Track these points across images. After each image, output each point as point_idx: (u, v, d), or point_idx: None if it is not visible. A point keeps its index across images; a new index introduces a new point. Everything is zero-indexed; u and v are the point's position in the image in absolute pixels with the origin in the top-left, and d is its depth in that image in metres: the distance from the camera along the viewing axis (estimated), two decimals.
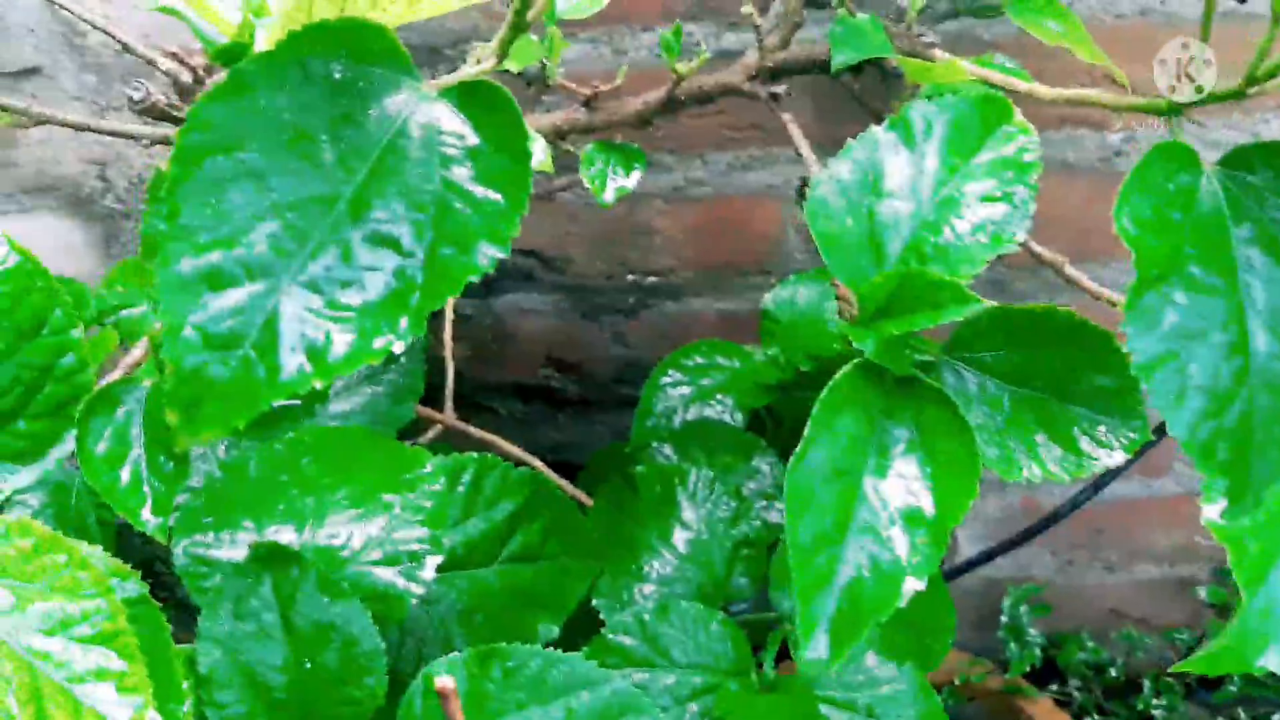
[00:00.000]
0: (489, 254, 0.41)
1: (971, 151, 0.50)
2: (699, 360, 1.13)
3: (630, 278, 1.27)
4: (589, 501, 0.91)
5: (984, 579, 1.37)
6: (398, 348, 0.39)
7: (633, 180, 0.70)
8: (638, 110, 0.70)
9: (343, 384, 0.83)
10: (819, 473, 0.46)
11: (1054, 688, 1.40)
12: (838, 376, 0.47)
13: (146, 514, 0.48)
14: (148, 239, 0.47)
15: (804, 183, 1.20)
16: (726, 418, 1.09)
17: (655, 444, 1.01)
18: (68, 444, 0.53)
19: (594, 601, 0.84)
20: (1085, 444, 0.50)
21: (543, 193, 0.90)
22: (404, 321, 0.40)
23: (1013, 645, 1.38)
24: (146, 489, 0.48)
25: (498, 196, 0.41)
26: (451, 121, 0.42)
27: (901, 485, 0.46)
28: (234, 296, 0.40)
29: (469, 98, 0.42)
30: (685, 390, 1.12)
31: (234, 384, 0.38)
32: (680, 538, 0.87)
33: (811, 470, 0.46)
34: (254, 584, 0.56)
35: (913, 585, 0.45)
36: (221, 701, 0.54)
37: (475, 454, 0.78)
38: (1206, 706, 1.40)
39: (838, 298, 0.55)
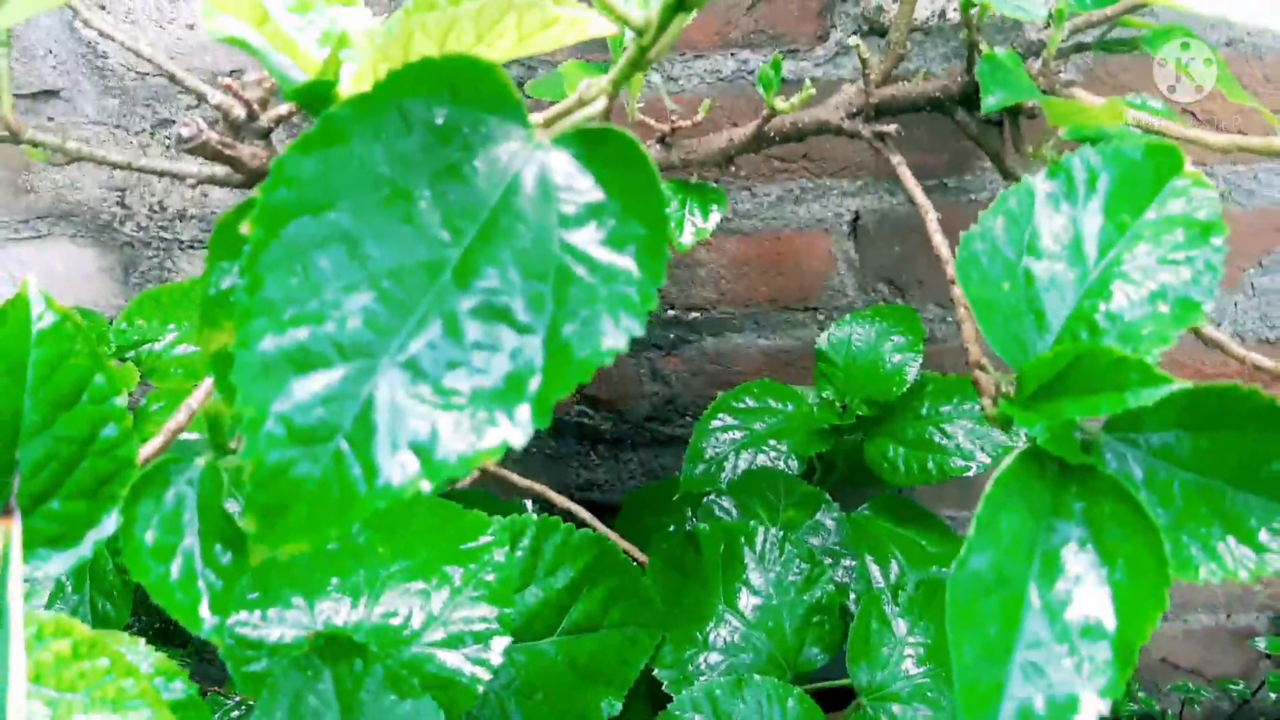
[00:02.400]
0: (623, 330, 0.35)
1: (1141, 207, 0.44)
2: (750, 403, 1.07)
3: (671, 312, 1.21)
4: (629, 547, 0.85)
5: None
6: (516, 441, 0.34)
7: (711, 223, 0.64)
8: (721, 148, 0.64)
9: None
10: (982, 581, 0.40)
11: None
12: (1003, 470, 0.41)
13: (204, 612, 0.42)
14: (209, 304, 0.41)
15: (857, 216, 1.15)
16: (781, 465, 1.03)
17: (712, 495, 0.95)
18: (106, 526, 0.47)
19: (656, 672, 0.77)
20: (1264, 537, 0.44)
21: None
22: (523, 411, 0.34)
23: None
24: (201, 584, 0.42)
25: (629, 264, 0.35)
26: (570, 174, 0.36)
27: (1074, 592, 0.40)
28: (323, 380, 0.34)
29: (592, 148, 0.36)
30: (736, 435, 1.06)
31: (324, 485, 0.32)
32: (747, 603, 0.81)
33: (975, 577, 0.39)
34: (312, 679, 0.50)
35: (1094, 708, 0.39)
36: None
37: (534, 516, 0.72)
38: None
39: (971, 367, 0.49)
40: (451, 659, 0.58)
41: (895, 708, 0.77)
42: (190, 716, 0.45)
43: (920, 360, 1.05)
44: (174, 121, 1.11)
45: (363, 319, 0.34)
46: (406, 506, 0.65)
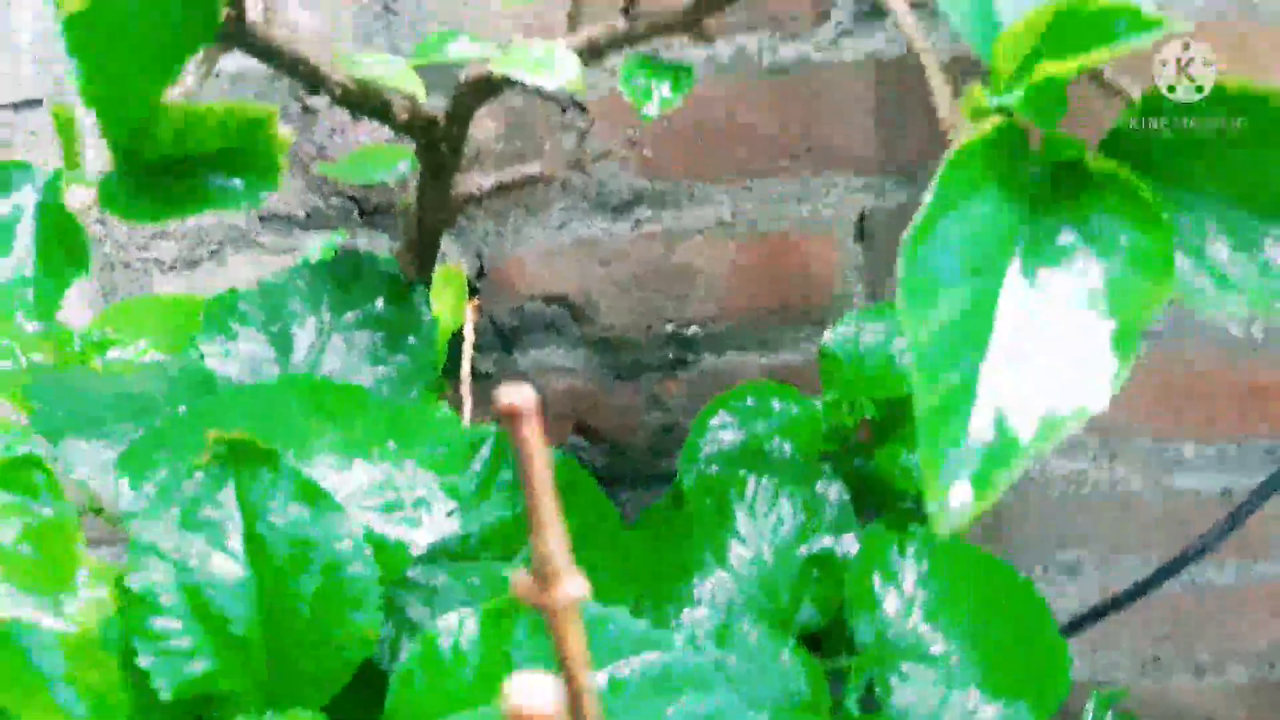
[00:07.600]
0: None
1: None
2: (751, 403, 1.01)
3: (669, 328, 1.16)
4: None
5: None
6: None
7: (678, 98, 0.60)
8: (684, 6, 0.60)
9: (341, 364, 0.71)
10: (946, 263, 0.34)
11: None
12: (961, 146, 0.35)
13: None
14: None
15: (863, 216, 1.11)
16: None
17: (702, 467, 0.88)
18: None
19: None
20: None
21: (571, 161, 0.80)
22: None
23: None
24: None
25: None
26: None
27: (1064, 286, 0.35)
28: None
29: None
30: (736, 435, 1.00)
31: None
32: (737, 556, 0.73)
33: (937, 255, 0.34)
34: (212, 486, 0.44)
35: (1086, 404, 0.33)
36: (160, 631, 0.41)
37: (494, 425, 0.66)
38: None
39: None
40: (382, 525, 0.52)
41: (905, 666, 0.69)
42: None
43: None
44: None
45: None
46: (351, 394, 0.60)
